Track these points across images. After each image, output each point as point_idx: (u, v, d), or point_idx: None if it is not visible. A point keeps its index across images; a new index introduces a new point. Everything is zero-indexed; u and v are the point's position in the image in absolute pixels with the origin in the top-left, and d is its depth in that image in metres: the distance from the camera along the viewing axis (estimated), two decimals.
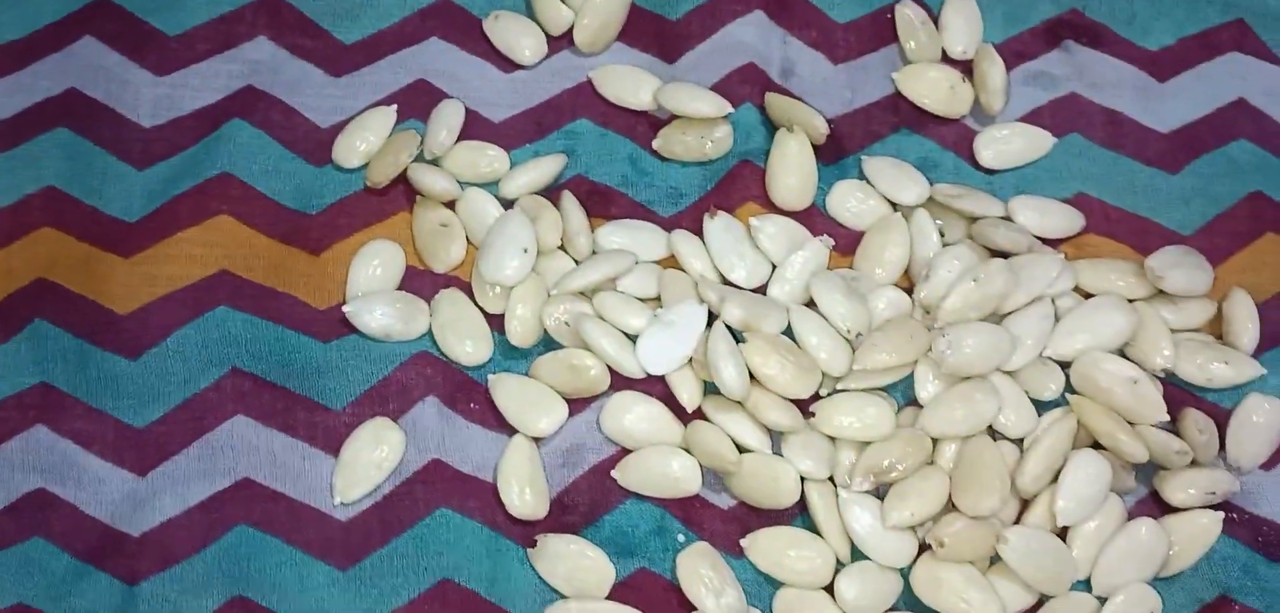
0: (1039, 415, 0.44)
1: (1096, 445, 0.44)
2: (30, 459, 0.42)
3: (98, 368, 0.44)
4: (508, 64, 0.50)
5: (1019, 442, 0.44)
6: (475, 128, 0.48)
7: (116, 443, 0.43)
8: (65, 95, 0.48)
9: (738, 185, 0.48)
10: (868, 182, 0.48)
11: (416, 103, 0.49)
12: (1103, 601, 0.42)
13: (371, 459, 0.43)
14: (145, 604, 0.40)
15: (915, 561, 0.42)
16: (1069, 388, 0.45)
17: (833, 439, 0.44)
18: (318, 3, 0.50)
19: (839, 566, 0.42)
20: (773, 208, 0.48)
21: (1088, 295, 0.46)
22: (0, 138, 0.47)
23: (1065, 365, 0.45)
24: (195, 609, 0.40)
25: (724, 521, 0.43)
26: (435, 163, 0.47)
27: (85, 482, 0.42)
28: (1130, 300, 0.46)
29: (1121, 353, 0.45)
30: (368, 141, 0.47)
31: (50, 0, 0.49)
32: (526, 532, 0.42)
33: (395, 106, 0.48)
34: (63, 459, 0.42)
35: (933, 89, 0.50)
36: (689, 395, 0.44)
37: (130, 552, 0.41)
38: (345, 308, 0.45)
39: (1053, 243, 0.47)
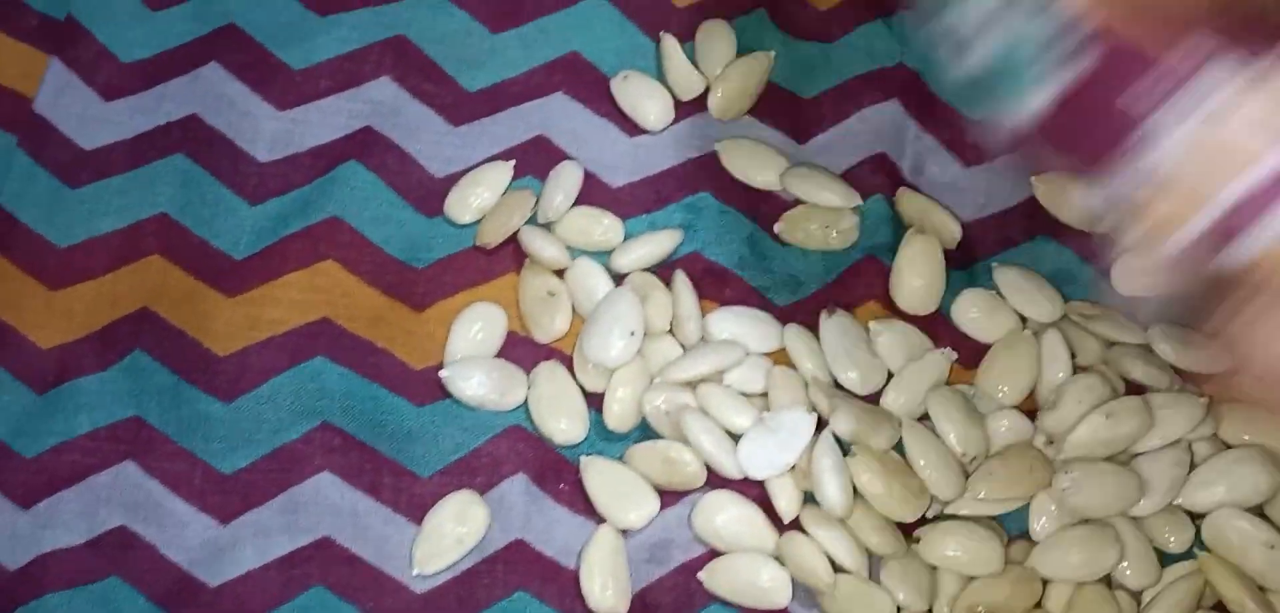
0: (1162, 569, 0.41)
1: (1223, 609, 0.41)
2: (117, 495, 0.42)
3: (191, 408, 0.43)
4: (632, 127, 0.48)
5: (1137, 595, 0.41)
6: (592, 191, 0.47)
7: (202, 487, 0.42)
8: (187, 121, 0.47)
9: (860, 281, 0.45)
10: (997, 292, 0.45)
11: (535, 159, 0.47)
12: None
13: (454, 534, 0.42)
14: None
15: None
16: (1199, 543, 0.42)
17: (934, 569, 0.41)
18: (445, 47, 0.49)
19: None
20: (894, 310, 0.45)
21: (1228, 445, 0.43)
22: (121, 158, 0.47)
23: (1197, 518, 0.42)
24: None
25: None
26: (548, 227, 0.46)
27: (168, 524, 0.42)
28: (1275, 455, 0.42)
29: (1260, 512, 0.42)
30: (482, 198, 0.46)
31: (180, 21, 0.49)
32: None
33: (513, 162, 0.47)
34: (148, 499, 0.42)
35: (1074, 201, 0.46)
36: (787, 503, 0.42)
37: (206, 602, 0.41)
38: (443, 372, 0.43)
39: (1194, 379, 0.44)
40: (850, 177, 0.47)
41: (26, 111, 0.47)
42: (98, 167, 0.47)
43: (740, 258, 0.46)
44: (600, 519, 0.42)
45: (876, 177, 0.47)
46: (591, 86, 0.48)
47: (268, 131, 0.47)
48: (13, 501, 0.42)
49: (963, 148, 0.48)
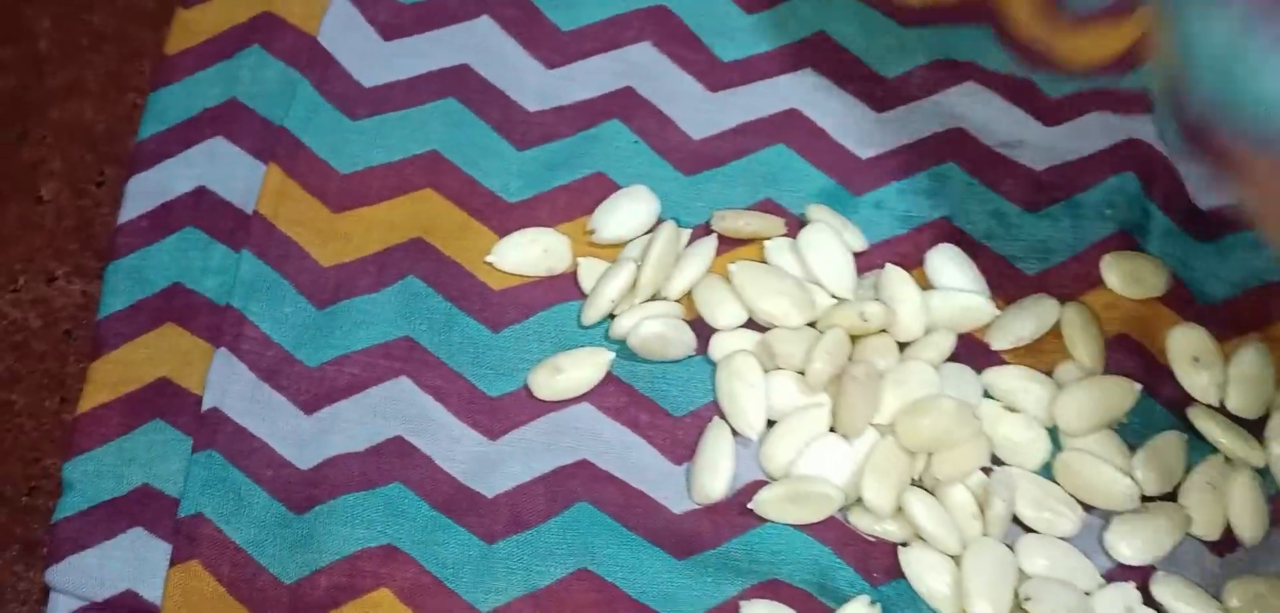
0: None
1: None
2: (392, 407, 0.44)
3: (461, 333, 0.46)
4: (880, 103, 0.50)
5: None
6: (840, 163, 0.49)
7: (471, 407, 0.45)
8: (459, 68, 0.50)
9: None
10: None
11: (785, 129, 0.49)
12: None
13: (715, 464, 0.43)
14: (502, 564, 0.42)
15: None
16: None
17: None
18: (701, 19, 0.51)
19: None
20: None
21: None
22: (398, 95, 0.50)
23: None
24: (545, 574, 0.42)
25: None
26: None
27: (441, 437, 0.44)
28: None
29: None
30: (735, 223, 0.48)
31: None
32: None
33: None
34: (421, 413, 0.44)
35: None
36: None
37: (484, 510, 0.43)
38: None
39: None
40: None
41: (309, 44, 0.50)
42: (375, 102, 0.49)
43: (987, 229, 0.48)
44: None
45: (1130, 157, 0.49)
46: (838, 65, 0.51)
47: (534, 85, 0.50)
48: (297, 405, 0.44)
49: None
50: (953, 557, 0.42)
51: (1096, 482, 0.43)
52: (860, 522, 0.43)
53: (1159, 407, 0.45)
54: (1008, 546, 0.42)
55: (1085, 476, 0.43)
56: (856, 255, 0.47)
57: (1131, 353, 0.46)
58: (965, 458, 0.43)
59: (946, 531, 0.42)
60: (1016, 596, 0.41)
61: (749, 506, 0.43)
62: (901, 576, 0.42)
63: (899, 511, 0.43)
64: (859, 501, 0.43)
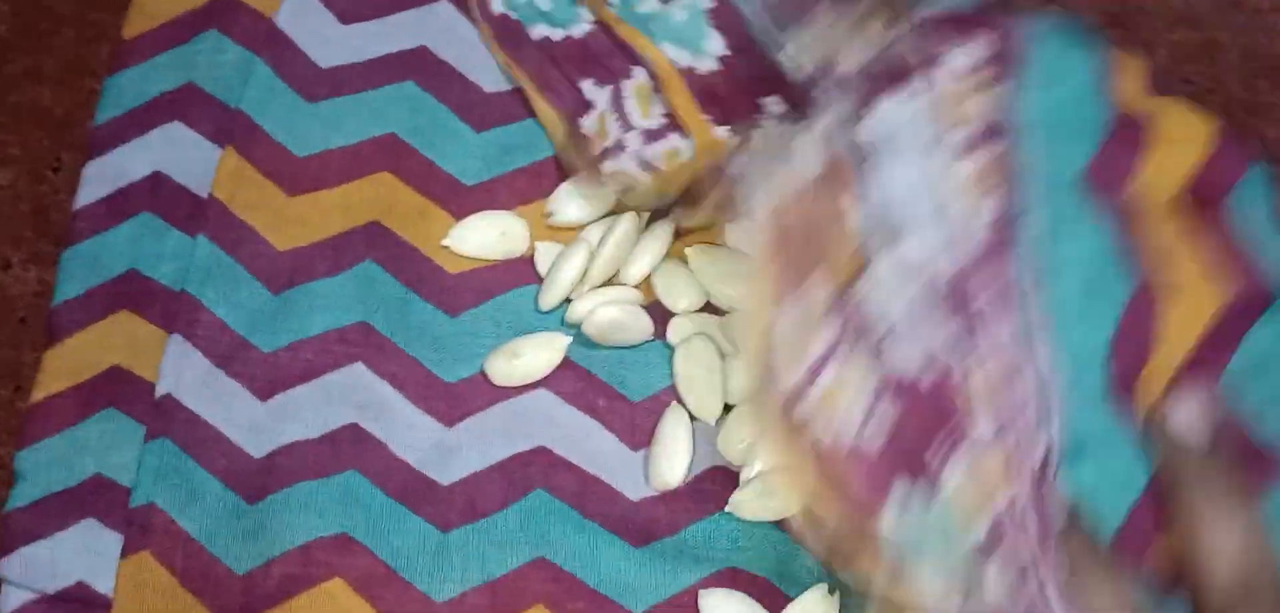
0: None
1: None
2: (348, 394, 0.44)
3: (418, 318, 0.45)
4: None
5: None
6: None
7: (427, 392, 0.44)
8: (418, 50, 0.49)
9: None
10: None
11: None
12: None
13: (674, 450, 0.43)
14: (457, 553, 0.42)
15: None
16: None
17: None
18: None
19: None
20: None
21: None
22: (355, 78, 0.49)
23: None
24: (501, 563, 0.42)
25: None
26: None
27: (397, 424, 0.44)
28: None
29: None
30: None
31: None
32: None
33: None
34: (377, 399, 0.44)
35: None
36: None
37: (440, 498, 0.43)
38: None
39: None
40: None
41: (267, 27, 0.50)
42: (333, 84, 0.49)
43: None
44: None
45: None
46: None
47: (492, 65, 0.49)
48: (252, 392, 0.44)
49: None
50: None
51: None
52: None
53: None
54: None
55: None
56: None
57: None
58: None
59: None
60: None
61: (727, 508, 0.42)
62: None
63: None
64: None
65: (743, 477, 0.43)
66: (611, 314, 0.44)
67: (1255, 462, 0.37)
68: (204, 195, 0.47)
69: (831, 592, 0.41)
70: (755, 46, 0.46)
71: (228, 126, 0.48)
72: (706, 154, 0.45)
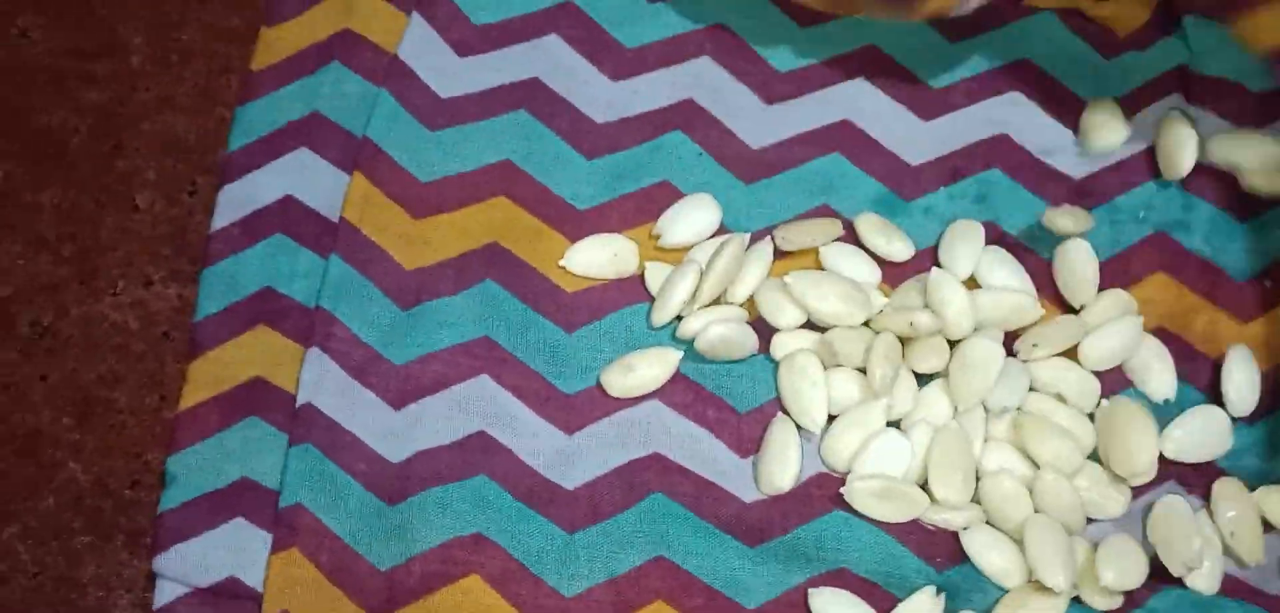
0: None
1: None
2: (474, 404, 0.47)
3: (537, 334, 0.48)
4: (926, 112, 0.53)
5: None
6: (896, 174, 0.52)
7: (548, 403, 0.47)
8: (530, 82, 0.53)
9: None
10: None
11: (840, 139, 0.52)
12: None
13: (784, 457, 0.46)
14: (583, 552, 0.45)
15: None
16: None
17: None
18: (760, 34, 0.54)
19: None
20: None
21: None
22: (472, 108, 0.52)
23: None
24: (623, 562, 0.45)
25: None
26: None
27: (521, 433, 0.47)
28: None
29: None
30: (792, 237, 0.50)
31: None
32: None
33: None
34: (502, 410, 0.47)
35: None
36: None
37: (565, 501, 0.46)
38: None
39: None
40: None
41: (388, 60, 0.53)
42: (452, 114, 0.52)
43: (1029, 232, 0.50)
44: None
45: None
46: (887, 76, 0.53)
47: (600, 97, 0.53)
48: (385, 401, 0.47)
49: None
50: (1013, 537, 0.45)
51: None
52: (934, 518, 0.45)
53: (1196, 395, 0.48)
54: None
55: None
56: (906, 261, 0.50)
57: (1168, 344, 0.48)
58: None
59: (1013, 507, 0.45)
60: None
61: (841, 492, 0.45)
62: (964, 560, 0.45)
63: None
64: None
65: (850, 479, 0.46)
66: (721, 331, 0.47)
67: None
68: (332, 217, 0.50)
69: (938, 594, 0.44)
70: None
71: (352, 153, 0.51)
72: None
